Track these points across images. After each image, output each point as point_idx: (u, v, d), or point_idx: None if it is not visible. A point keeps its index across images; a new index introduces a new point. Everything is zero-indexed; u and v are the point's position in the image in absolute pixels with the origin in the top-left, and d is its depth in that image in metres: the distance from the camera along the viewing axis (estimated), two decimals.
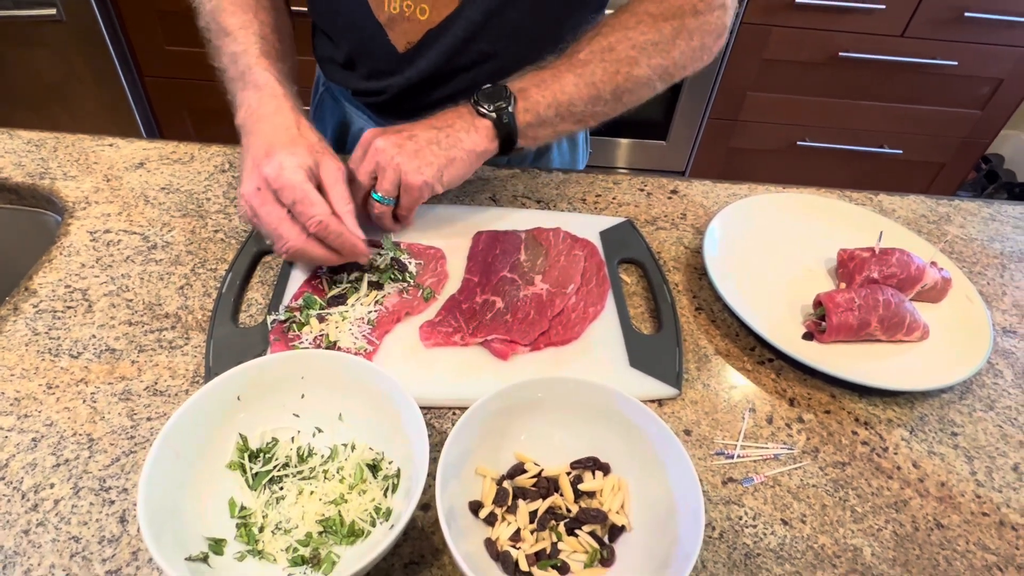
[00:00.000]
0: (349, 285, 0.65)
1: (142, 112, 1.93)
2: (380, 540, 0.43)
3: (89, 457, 0.52)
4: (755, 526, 0.52)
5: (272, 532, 0.46)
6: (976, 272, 0.79)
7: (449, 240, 0.72)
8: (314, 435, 0.52)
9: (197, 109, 1.94)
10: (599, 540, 0.48)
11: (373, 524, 0.47)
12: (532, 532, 0.48)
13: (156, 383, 0.57)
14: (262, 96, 0.63)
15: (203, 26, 0.71)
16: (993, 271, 0.79)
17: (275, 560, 0.45)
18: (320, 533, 0.46)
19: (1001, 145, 2.46)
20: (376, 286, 0.65)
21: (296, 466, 0.50)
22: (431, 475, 0.45)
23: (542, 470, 0.51)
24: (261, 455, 0.50)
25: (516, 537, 0.47)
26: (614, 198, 0.83)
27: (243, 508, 0.47)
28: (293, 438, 0.52)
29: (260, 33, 0.68)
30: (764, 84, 1.89)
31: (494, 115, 0.65)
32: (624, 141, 2.03)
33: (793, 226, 0.78)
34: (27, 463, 0.51)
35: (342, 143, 0.92)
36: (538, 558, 0.46)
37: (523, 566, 0.45)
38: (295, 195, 0.57)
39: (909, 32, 1.76)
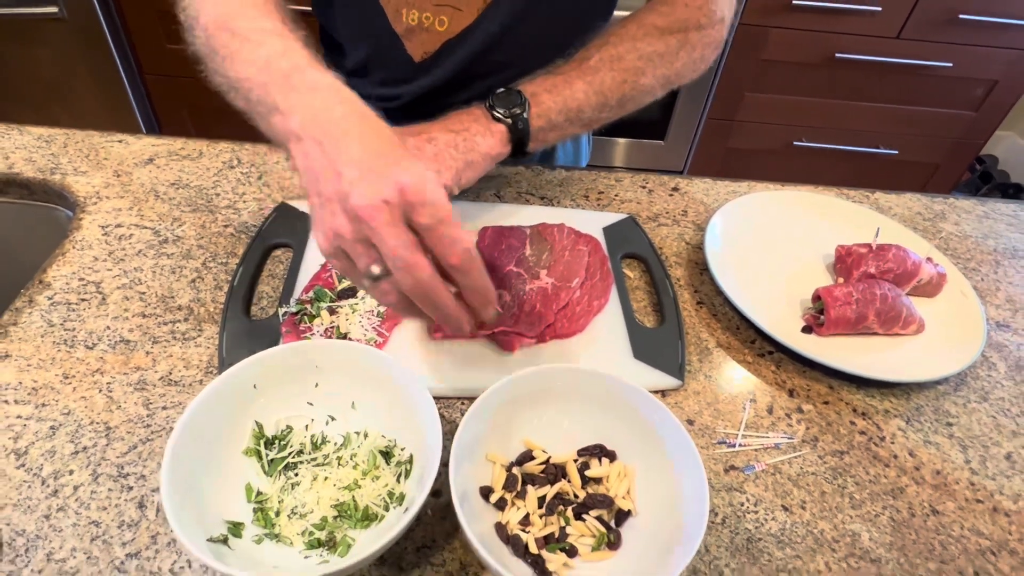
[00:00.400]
0: None
1: (143, 110, 1.93)
2: (394, 523, 0.44)
3: (107, 445, 0.53)
4: (756, 512, 0.53)
5: (288, 516, 0.47)
6: (971, 268, 0.80)
7: None
8: (327, 423, 0.53)
9: (198, 108, 1.95)
10: (606, 524, 0.49)
11: (387, 508, 0.48)
12: (541, 517, 0.49)
13: (171, 373, 0.58)
14: (335, 97, 0.50)
15: (201, 40, 0.62)
16: (987, 267, 0.81)
17: (292, 543, 0.46)
18: (335, 517, 0.48)
19: (995, 146, 2.48)
20: None
21: (310, 453, 0.51)
22: (443, 463, 0.46)
23: (550, 457, 0.53)
24: (276, 442, 0.51)
25: (525, 521, 0.49)
26: (616, 195, 0.84)
27: (259, 493, 0.49)
28: (307, 426, 0.53)
29: (295, 35, 0.57)
30: (761, 85, 1.90)
31: (509, 121, 0.65)
32: (622, 141, 2.04)
33: (792, 223, 0.80)
34: (46, 450, 0.52)
35: None
36: (547, 541, 0.48)
37: (532, 549, 0.47)
38: (441, 214, 0.44)
39: (904, 34, 1.78)
